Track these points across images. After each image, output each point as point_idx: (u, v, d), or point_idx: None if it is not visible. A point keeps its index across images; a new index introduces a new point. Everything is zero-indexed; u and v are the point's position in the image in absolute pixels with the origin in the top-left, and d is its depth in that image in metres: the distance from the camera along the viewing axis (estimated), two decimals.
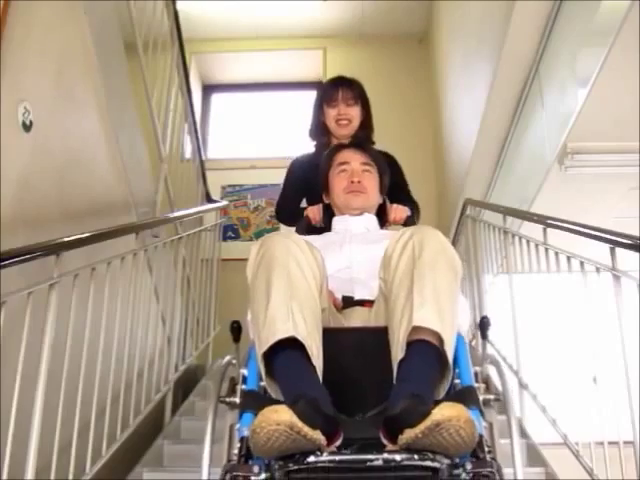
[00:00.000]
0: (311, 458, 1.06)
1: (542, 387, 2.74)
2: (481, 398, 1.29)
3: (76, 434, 2.09)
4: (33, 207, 2.36)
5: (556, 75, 3.26)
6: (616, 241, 2.11)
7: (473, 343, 3.75)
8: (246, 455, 1.16)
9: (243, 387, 1.36)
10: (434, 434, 1.01)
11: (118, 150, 3.06)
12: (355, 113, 2.44)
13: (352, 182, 1.92)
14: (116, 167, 3.06)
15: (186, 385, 3.51)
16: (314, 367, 1.22)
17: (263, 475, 1.10)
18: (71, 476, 2.03)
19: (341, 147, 2.10)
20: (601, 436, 2.15)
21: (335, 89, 2.45)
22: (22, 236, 2.13)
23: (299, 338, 1.21)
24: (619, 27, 2.55)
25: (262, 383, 1.31)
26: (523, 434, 2.75)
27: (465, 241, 4.13)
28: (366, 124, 2.49)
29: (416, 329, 1.23)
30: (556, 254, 2.55)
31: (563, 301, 2.57)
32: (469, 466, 1.08)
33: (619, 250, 2.11)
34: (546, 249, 2.64)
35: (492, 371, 1.43)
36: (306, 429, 1.02)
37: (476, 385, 1.34)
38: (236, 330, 1.43)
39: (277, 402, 1.18)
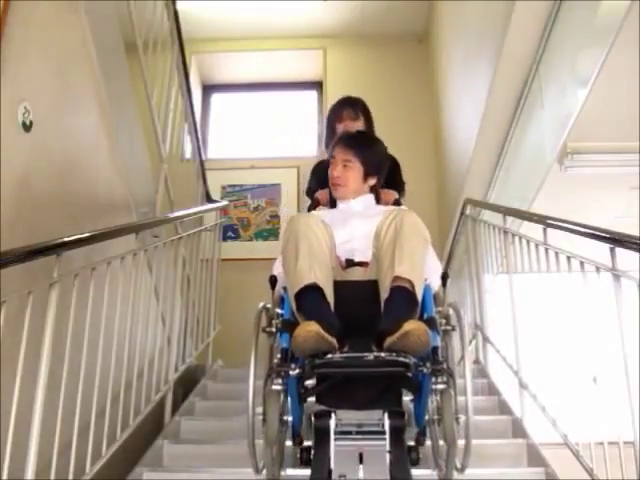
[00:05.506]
0: (329, 355, 1.62)
1: (542, 387, 2.74)
2: (442, 328, 1.82)
3: (76, 434, 2.09)
4: (33, 207, 2.36)
5: (556, 75, 3.26)
6: (616, 241, 2.11)
7: (472, 343, 3.77)
8: (285, 360, 1.72)
9: (277, 321, 1.86)
10: (404, 340, 1.58)
11: (118, 150, 3.06)
12: (359, 126, 2.89)
13: (334, 176, 2.28)
14: (116, 167, 3.06)
15: (186, 385, 3.51)
16: (328, 303, 1.79)
17: (297, 370, 1.66)
18: (71, 476, 2.03)
19: (336, 143, 2.40)
20: (601, 436, 2.15)
21: (340, 109, 2.96)
22: (22, 236, 2.13)
23: (319, 284, 1.78)
24: (619, 27, 2.55)
25: (291, 318, 1.86)
26: (523, 434, 2.76)
27: (465, 241, 4.13)
28: (369, 132, 2.94)
29: (396, 278, 1.78)
30: (556, 254, 2.55)
31: (563, 301, 2.57)
32: (429, 364, 1.65)
33: (619, 250, 2.11)
34: (546, 249, 2.64)
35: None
36: (327, 335, 1.60)
37: (439, 320, 1.84)
38: (273, 282, 1.95)
39: None
